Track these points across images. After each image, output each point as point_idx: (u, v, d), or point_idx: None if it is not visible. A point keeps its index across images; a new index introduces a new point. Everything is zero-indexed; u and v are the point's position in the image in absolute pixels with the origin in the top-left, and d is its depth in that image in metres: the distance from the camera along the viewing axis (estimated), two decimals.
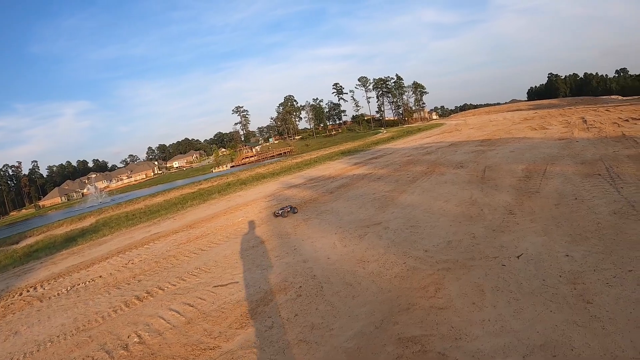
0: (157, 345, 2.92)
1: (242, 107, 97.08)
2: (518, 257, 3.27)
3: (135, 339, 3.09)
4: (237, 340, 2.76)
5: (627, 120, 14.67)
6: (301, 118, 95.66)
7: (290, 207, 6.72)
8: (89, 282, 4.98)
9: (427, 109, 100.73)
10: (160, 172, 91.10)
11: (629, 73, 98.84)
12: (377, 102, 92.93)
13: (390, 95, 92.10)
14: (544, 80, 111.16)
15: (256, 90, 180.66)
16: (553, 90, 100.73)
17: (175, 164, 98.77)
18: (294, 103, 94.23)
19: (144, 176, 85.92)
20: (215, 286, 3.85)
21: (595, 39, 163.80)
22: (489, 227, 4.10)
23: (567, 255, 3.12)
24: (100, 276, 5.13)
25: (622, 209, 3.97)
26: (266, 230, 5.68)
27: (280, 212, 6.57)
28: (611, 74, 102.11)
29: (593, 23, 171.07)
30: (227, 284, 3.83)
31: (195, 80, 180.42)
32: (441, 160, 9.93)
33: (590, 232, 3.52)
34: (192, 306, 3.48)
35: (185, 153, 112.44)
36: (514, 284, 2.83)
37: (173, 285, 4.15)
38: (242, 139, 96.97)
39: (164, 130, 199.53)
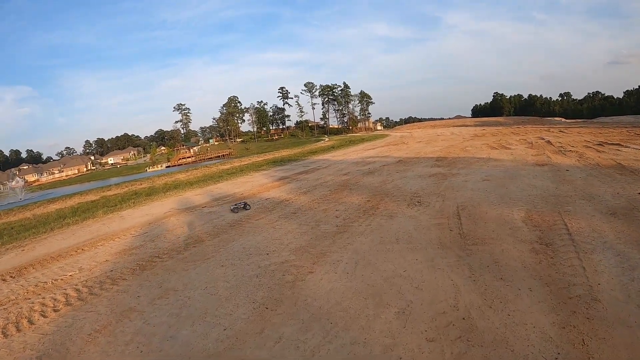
0: None
1: (184, 104, 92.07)
2: None
3: None
4: None
5: (600, 144, 12.20)
6: (244, 120, 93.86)
7: (244, 204, 7.20)
8: None
9: (372, 119, 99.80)
10: (94, 167, 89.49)
11: (572, 97, 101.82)
12: (322, 109, 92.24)
13: (336, 102, 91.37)
14: (489, 99, 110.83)
15: (200, 90, 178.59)
16: (498, 108, 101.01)
17: (111, 160, 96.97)
18: (238, 104, 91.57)
19: (77, 171, 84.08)
20: None
21: (536, 64, 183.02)
22: None
23: None
24: None
25: None
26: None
27: (234, 207, 7.11)
28: (554, 97, 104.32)
29: (533, 49, 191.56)
30: None
31: (140, 75, 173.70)
32: (388, 186, 7.75)
33: None
34: None
35: (123, 149, 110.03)
36: None
37: None
38: (182, 137, 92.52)
39: (104, 124, 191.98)
